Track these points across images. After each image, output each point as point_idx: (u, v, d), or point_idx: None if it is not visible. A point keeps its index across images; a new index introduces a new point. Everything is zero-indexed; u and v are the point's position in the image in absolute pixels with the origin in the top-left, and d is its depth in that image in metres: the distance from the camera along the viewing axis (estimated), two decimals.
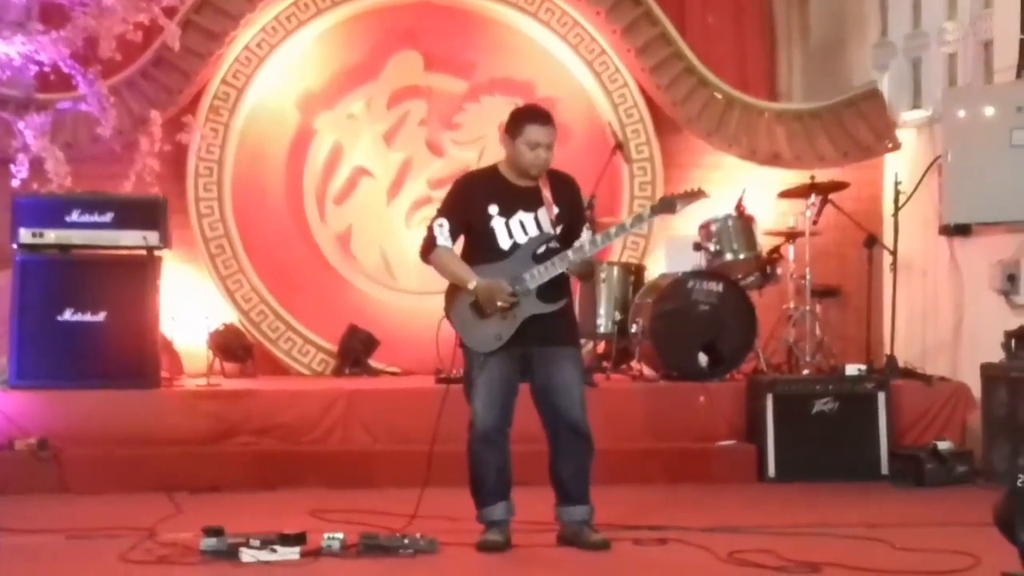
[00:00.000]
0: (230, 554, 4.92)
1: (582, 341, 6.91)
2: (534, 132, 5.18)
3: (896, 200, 8.27)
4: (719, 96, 9.15)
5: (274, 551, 4.90)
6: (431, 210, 5.72)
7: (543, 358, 5.22)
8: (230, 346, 8.43)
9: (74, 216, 7.39)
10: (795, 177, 8.80)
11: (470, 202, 5.26)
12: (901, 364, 7.96)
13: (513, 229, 5.21)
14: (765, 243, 8.25)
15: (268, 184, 9.04)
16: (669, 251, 8.95)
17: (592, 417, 5.31)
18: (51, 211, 7.39)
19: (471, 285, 5.14)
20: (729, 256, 7.94)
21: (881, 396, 7.35)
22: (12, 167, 7.68)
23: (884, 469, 7.22)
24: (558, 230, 5.20)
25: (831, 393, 7.34)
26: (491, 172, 5.37)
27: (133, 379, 7.20)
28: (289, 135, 9.05)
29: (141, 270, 7.38)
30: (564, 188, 5.32)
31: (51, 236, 7.35)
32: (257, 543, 4.93)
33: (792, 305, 8.33)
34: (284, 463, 6.98)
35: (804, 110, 9.29)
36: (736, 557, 4.95)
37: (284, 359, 8.79)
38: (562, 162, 5.57)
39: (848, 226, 8.60)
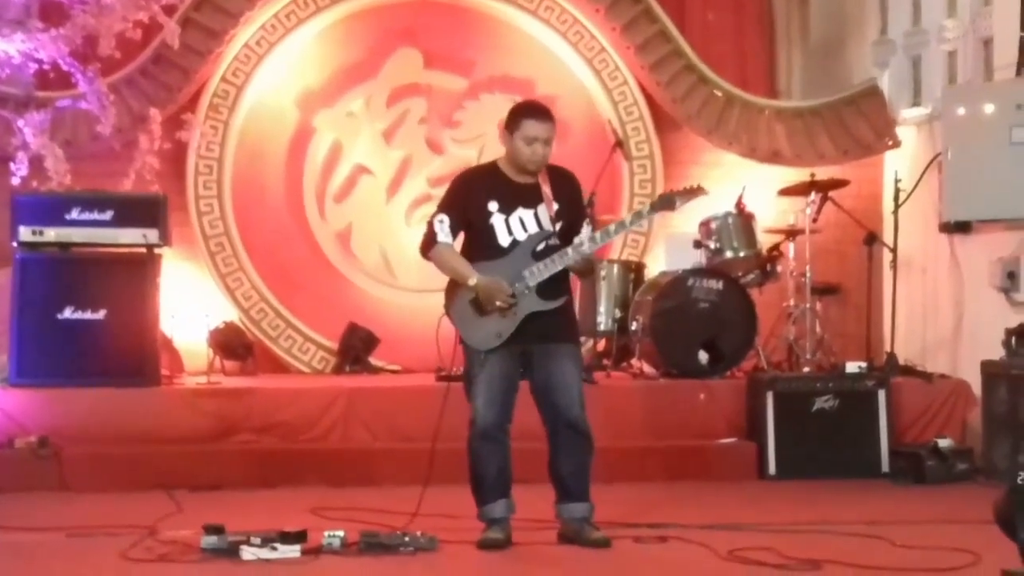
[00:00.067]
0: (231, 552, 4.92)
1: (582, 339, 6.92)
2: (530, 127, 5.18)
3: (896, 198, 8.27)
4: (719, 94, 9.15)
5: (275, 549, 4.90)
6: (431, 208, 5.71)
7: (543, 355, 5.21)
8: (230, 344, 8.44)
9: (74, 214, 7.39)
10: (795, 175, 8.81)
11: (470, 198, 5.25)
12: (901, 361, 7.96)
13: (513, 226, 5.20)
14: (765, 241, 8.26)
15: (268, 182, 9.04)
16: (669, 249, 8.94)
17: (592, 415, 5.31)
18: (51, 209, 7.39)
19: (471, 282, 5.14)
20: (729, 254, 7.94)
21: (881, 394, 7.35)
22: (12, 165, 7.68)
23: (884, 467, 7.22)
24: (558, 227, 5.20)
25: (831, 391, 7.33)
26: (491, 168, 5.37)
27: (133, 377, 7.20)
28: (289, 133, 9.05)
29: (141, 268, 7.38)
30: (564, 184, 5.31)
31: (51, 234, 7.35)
32: (258, 541, 4.93)
33: (792, 303, 8.33)
34: (284, 461, 6.98)
35: (804, 108, 9.29)
36: (736, 555, 4.95)
37: (284, 357, 8.79)
38: (562, 159, 5.57)
39: (848, 224, 8.59)
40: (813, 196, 8.18)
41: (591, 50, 9.18)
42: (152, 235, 7.44)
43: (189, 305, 8.34)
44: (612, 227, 5.33)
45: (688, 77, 9.12)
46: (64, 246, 7.38)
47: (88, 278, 7.27)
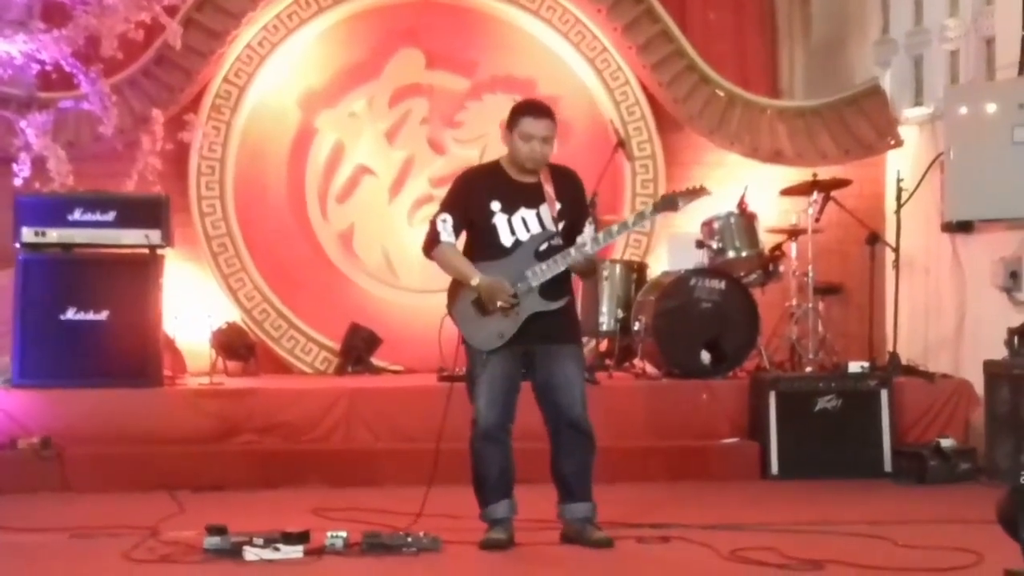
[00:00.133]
0: (233, 553, 4.93)
1: (584, 339, 6.93)
2: (528, 124, 5.18)
3: (898, 197, 8.27)
4: (721, 94, 9.14)
5: (277, 550, 4.91)
6: (433, 208, 5.71)
7: (545, 356, 5.21)
8: (232, 345, 8.44)
9: (76, 215, 7.39)
10: (797, 174, 8.81)
11: (472, 198, 5.25)
12: (904, 361, 7.95)
13: (515, 226, 5.20)
14: (767, 241, 8.26)
15: (270, 182, 9.05)
16: (671, 249, 8.94)
17: (594, 415, 5.31)
18: (53, 210, 7.39)
19: (474, 282, 5.14)
20: (731, 254, 7.94)
21: (884, 393, 7.35)
22: (14, 166, 7.68)
23: (887, 466, 7.22)
24: (560, 226, 5.20)
25: (834, 390, 7.33)
26: (493, 168, 5.36)
27: (136, 378, 7.20)
28: (291, 133, 9.06)
29: (143, 269, 7.38)
30: (566, 183, 5.31)
31: (53, 235, 7.36)
32: (260, 542, 4.93)
33: (795, 302, 8.33)
34: (287, 462, 6.98)
35: (806, 107, 9.29)
36: (739, 555, 4.95)
37: (286, 357, 8.80)
38: (564, 159, 5.58)
39: (850, 223, 8.59)
40: (815, 196, 8.17)
41: (593, 50, 9.18)
42: (154, 236, 7.44)
43: (191, 306, 8.35)
44: (615, 227, 5.32)
45: (690, 77, 9.12)
46: (66, 247, 7.38)
47: (90, 279, 7.28)
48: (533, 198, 5.22)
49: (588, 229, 5.27)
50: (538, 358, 5.22)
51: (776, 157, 9.13)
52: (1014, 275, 7.78)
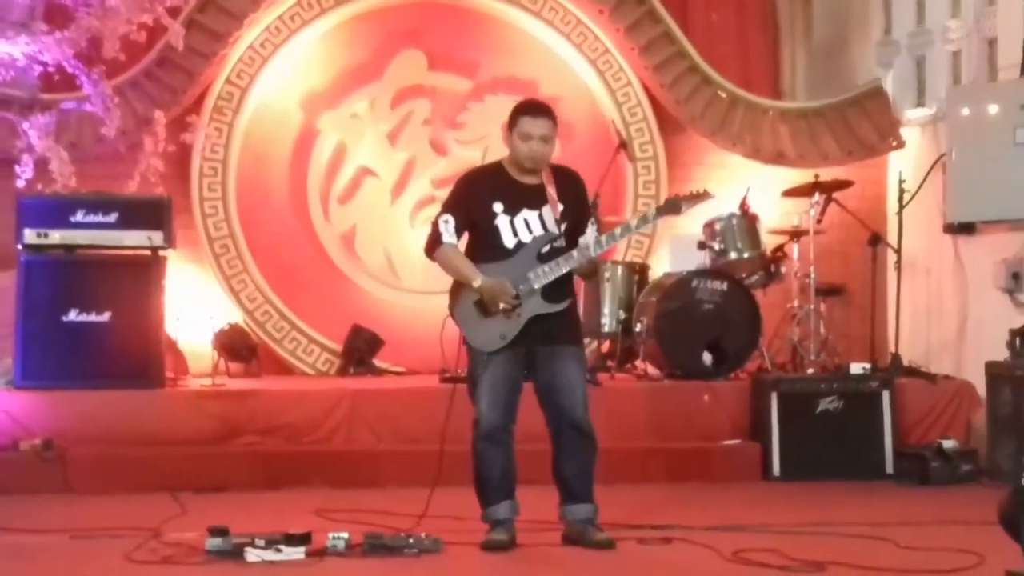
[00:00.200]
0: (235, 554, 4.93)
1: (586, 340, 6.93)
2: (527, 124, 5.18)
3: (900, 198, 8.27)
4: (723, 95, 9.15)
5: (279, 551, 4.91)
6: (435, 209, 5.71)
7: (547, 357, 5.21)
8: (235, 346, 8.45)
9: (78, 216, 7.39)
10: (799, 176, 8.81)
11: (474, 199, 5.25)
12: (905, 363, 7.95)
13: (518, 227, 5.20)
14: (769, 242, 8.25)
15: (272, 184, 9.05)
16: (673, 250, 8.95)
17: (596, 416, 5.31)
18: (55, 211, 7.40)
19: (476, 283, 5.14)
20: (733, 255, 7.94)
21: (885, 395, 7.34)
22: (17, 167, 7.69)
23: (888, 468, 7.22)
24: (563, 228, 5.20)
25: (835, 392, 7.33)
26: (495, 169, 5.36)
27: (138, 379, 7.20)
28: (293, 135, 9.06)
29: (145, 270, 7.38)
30: (569, 185, 5.31)
31: (56, 236, 7.36)
32: (262, 543, 4.94)
33: (796, 304, 8.33)
34: (289, 463, 6.98)
35: (808, 108, 9.29)
36: (741, 556, 4.95)
37: (289, 359, 8.80)
38: (566, 161, 5.58)
39: (852, 224, 8.58)
40: (817, 197, 8.17)
41: (595, 51, 9.19)
42: (156, 237, 7.44)
43: (193, 307, 8.36)
44: (618, 230, 5.32)
45: (692, 78, 9.12)
46: (69, 248, 7.38)
47: (93, 280, 7.28)
48: (535, 199, 5.22)
49: (590, 230, 5.27)
50: (540, 359, 5.22)
51: (778, 158, 9.14)
52: (1016, 276, 7.78)
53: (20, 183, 7.67)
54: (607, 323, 8.17)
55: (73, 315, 7.21)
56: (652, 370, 8.04)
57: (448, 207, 5.31)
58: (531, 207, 5.21)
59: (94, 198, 7.53)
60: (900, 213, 8.24)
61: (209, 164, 8.76)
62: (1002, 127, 7.74)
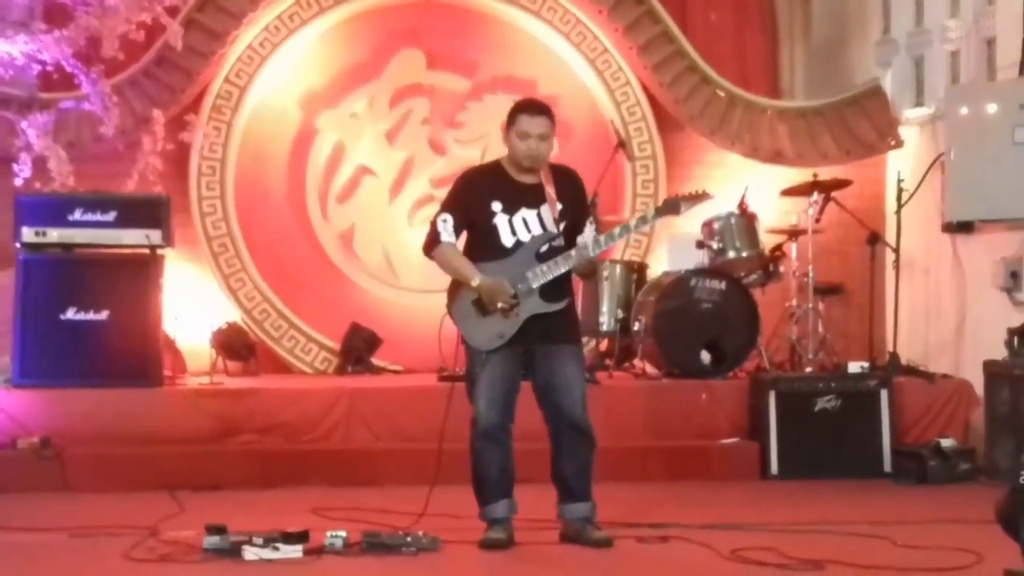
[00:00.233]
0: (233, 552, 4.93)
1: (584, 339, 6.93)
2: (524, 122, 5.18)
3: (899, 198, 8.27)
4: (721, 94, 9.15)
5: (277, 549, 4.91)
6: (433, 209, 5.72)
7: (545, 356, 5.21)
8: (233, 345, 8.44)
9: (77, 215, 7.40)
10: (798, 175, 8.81)
11: (472, 198, 5.25)
12: (904, 361, 7.94)
13: (516, 226, 5.20)
14: (768, 241, 8.25)
15: (271, 183, 9.05)
16: (672, 249, 8.94)
17: (594, 415, 5.31)
18: (54, 210, 7.40)
19: (474, 283, 5.14)
20: (732, 254, 7.94)
21: (884, 393, 7.35)
22: (15, 166, 7.69)
23: (887, 466, 7.22)
24: (561, 227, 5.20)
25: (834, 391, 7.33)
26: (494, 168, 5.37)
27: (136, 378, 7.20)
28: (291, 134, 9.06)
29: (144, 269, 7.38)
30: (568, 184, 5.31)
31: (54, 235, 7.36)
32: (260, 541, 4.94)
33: (795, 303, 8.33)
34: (286, 461, 6.98)
35: (807, 108, 9.29)
36: (738, 555, 4.96)
37: (287, 357, 8.80)
38: (565, 160, 5.59)
39: (851, 224, 8.58)
40: (816, 196, 8.17)
41: (594, 51, 9.19)
42: (155, 236, 7.44)
43: (192, 306, 8.36)
44: (616, 230, 5.32)
45: (691, 78, 9.12)
46: (67, 247, 7.39)
47: (91, 279, 7.28)
48: (534, 198, 5.22)
49: (589, 230, 5.28)
50: (538, 358, 5.22)
51: (777, 157, 9.14)
52: (1014, 275, 7.78)
53: (18, 182, 7.67)
54: (605, 322, 8.17)
55: (71, 314, 7.21)
56: (650, 369, 8.04)
57: (447, 206, 5.31)
58: (530, 206, 5.21)
59: (92, 197, 7.53)
60: (899, 212, 8.23)
61: (207, 163, 8.75)
62: (1001, 126, 7.74)
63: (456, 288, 5.26)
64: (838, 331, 8.68)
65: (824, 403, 7.30)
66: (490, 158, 5.80)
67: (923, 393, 7.59)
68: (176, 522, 5.68)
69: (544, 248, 5.19)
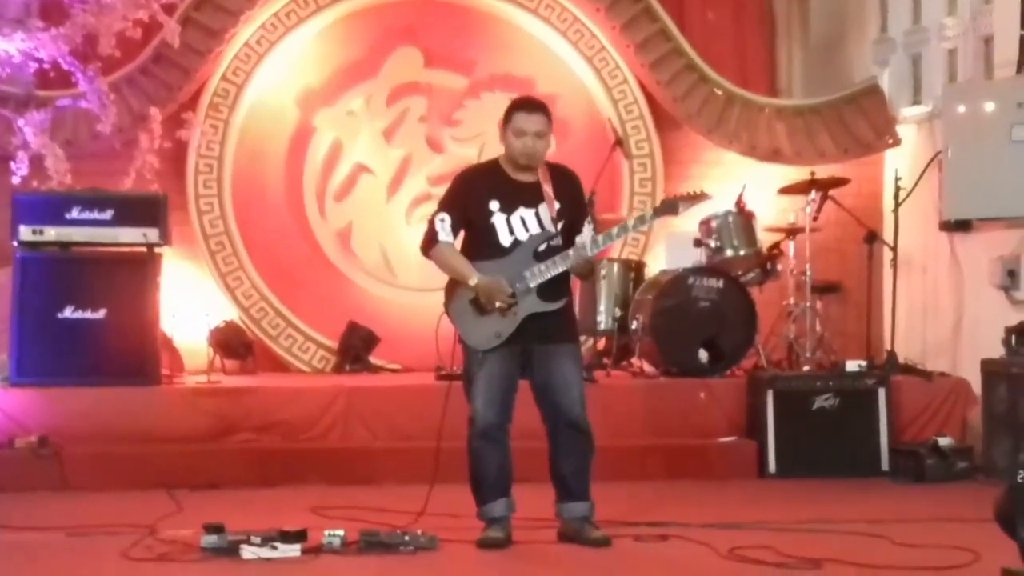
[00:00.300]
0: (231, 551, 4.92)
1: (582, 338, 6.92)
2: (520, 120, 5.18)
3: (896, 196, 8.27)
4: (719, 92, 9.15)
5: (275, 548, 4.90)
6: (431, 207, 5.71)
7: (543, 355, 5.21)
8: (230, 343, 8.44)
9: (74, 213, 7.39)
10: (795, 173, 8.80)
11: (470, 197, 5.25)
12: (901, 360, 7.95)
13: (514, 225, 5.20)
14: (765, 239, 8.25)
15: (268, 181, 9.05)
16: (669, 247, 8.94)
17: (592, 414, 5.31)
18: (51, 208, 7.39)
19: (472, 282, 5.13)
20: (729, 252, 7.94)
21: (881, 392, 7.35)
22: (12, 164, 7.69)
23: (884, 465, 7.22)
24: (559, 226, 5.20)
25: (831, 389, 7.33)
26: (492, 167, 5.36)
27: (133, 376, 7.20)
28: (289, 132, 9.06)
29: (141, 267, 7.38)
30: (565, 183, 5.30)
31: (51, 233, 7.35)
32: (258, 540, 4.93)
33: (792, 301, 8.33)
34: (284, 460, 6.98)
35: (804, 106, 9.29)
36: (737, 553, 4.96)
37: (284, 356, 8.80)
38: (562, 158, 5.58)
39: (848, 222, 8.59)
40: (813, 194, 8.17)
41: (591, 49, 9.19)
42: (152, 234, 7.44)
43: (189, 304, 8.34)
44: (614, 230, 5.32)
45: (688, 76, 9.12)
46: (64, 245, 7.38)
47: (88, 277, 7.27)
48: (532, 197, 5.22)
49: (587, 229, 5.27)
50: (536, 358, 5.22)
51: (774, 156, 9.14)
52: (1012, 274, 7.78)
53: (15, 180, 7.66)
54: (603, 320, 8.17)
55: (69, 312, 7.20)
56: (648, 367, 8.04)
57: (444, 205, 5.31)
58: (527, 205, 5.21)
59: (90, 195, 7.52)
60: (896, 211, 8.23)
61: (205, 161, 8.75)
62: (998, 125, 7.73)
63: (454, 287, 5.25)
64: (836, 329, 8.69)
65: (822, 402, 7.30)
66: (487, 156, 5.80)
67: (921, 391, 7.59)
68: (174, 521, 5.67)
69: (542, 247, 5.18)
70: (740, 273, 8.03)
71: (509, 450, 5.25)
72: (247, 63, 8.83)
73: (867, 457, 7.22)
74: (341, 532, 5.07)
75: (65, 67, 7.72)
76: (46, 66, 7.73)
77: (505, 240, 5.20)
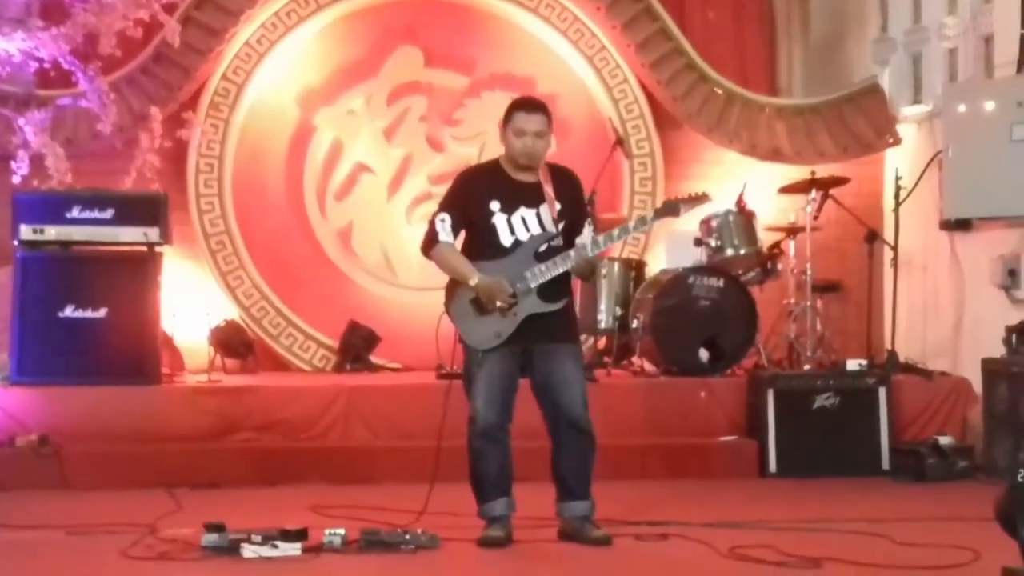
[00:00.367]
0: (231, 550, 4.92)
1: (583, 337, 6.92)
2: (521, 120, 5.18)
3: (897, 195, 8.27)
4: (719, 92, 9.15)
5: (275, 547, 4.90)
6: (431, 206, 5.72)
7: (544, 355, 5.20)
8: (231, 342, 8.44)
9: (75, 212, 7.39)
10: (796, 172, 8.80)
11: (471, 197, 5.25)
12: (902, 359, 7.95)
13: (515, 225, 5.19)
14: (766, 238, 8.26)
15: (268, 180, 9.05)
16: (670, 247, 8.94)
17: (593, 413, 5.31)
18: (52, 208, 7.39)
19: (472, 282, 5.13)
20: (730, 251, 7.94)
21: (882, 391, 7.35)
22: (13, 164, 7.69)
23: (885, 464, 7.22)
24: (560, 227, 5.20)
25: (832, 388, 7.33)
26: (492, 167, 5.36)
27: (134, 375, 7.20)
28: (289, 131, 9.06)
29: (142, 266, 7.38)
30: (566, 183, 5.30)
31: (52, 232, 7.35)
32: (258, 539, 4.93)
33: (793, 300, 8.33)
34: (285, 459, 6.98)
35: (804, 105, 9.29)
36: (737, 552, 4.95)
37: (285, 355, 8.80)
38: (563, 157, 5.58)
39: (849, 221, 8.59)
40: (814, 194, 8.17)
41: (592, 48, 9.19)
42: (153, 233, 7.44)
43: (190, 303, 8.35)
44: (615, 231, 5.31)
45: (689, 75, 9.12)
46: (65, 244, 7.38)
47: (89, 276, 7.28)
48: (533, 198, 5.22)
49: (587, 230, 5.27)
50: (536, 357, 5.22)
51: (774, 155, 9.14)
52: (1012, 273, 7.78)
53: (16, 179, 7.66)
54: (603, 319, 8.18)
55: (69, 311, 7.21)
56: (648, 367, 8.05)
57: (445, 205, 5.31)
58: (528, 205, 5.21)
59: (90, 194, 7.53)
60: (896, 210, 8.23)
61: (205, 160, 8.75)
62: (998, 124, 7.73)
63: (454, 287, 5.25)
64: (836, 329, 8.69)
65: (822, 401, 7.30)
66: (488, 155, 5.80)
67: (921, 391, 7.59)
68: (174, 520, 5.67)
69: (543, 248, 5.18)
70: (740, 272, 8.03)
71: (509, 449, 5.25)
72: (248, 62, 8.83)
73: (868, 456, 7.21)
74: (342, 531, 5.07)
75: (65, 66, 7.72)
76: (46, 65, 7.73)
77: (506, 240, 5.19)
